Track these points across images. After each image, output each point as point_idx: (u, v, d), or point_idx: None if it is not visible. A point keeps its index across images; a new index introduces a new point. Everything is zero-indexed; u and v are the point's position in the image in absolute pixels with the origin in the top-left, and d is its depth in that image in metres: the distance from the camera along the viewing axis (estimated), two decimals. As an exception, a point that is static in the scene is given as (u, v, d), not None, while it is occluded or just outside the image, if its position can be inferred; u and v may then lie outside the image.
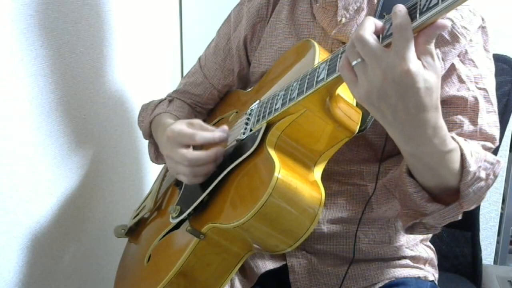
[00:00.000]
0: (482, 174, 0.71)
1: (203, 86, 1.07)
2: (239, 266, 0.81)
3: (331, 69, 0.69)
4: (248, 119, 0.84)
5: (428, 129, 0.62)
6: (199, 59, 1.10)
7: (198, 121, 0.86)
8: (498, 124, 0.83)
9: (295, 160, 0.74)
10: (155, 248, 0.90)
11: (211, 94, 1.07)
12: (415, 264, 0.95)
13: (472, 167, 0.70)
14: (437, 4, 0.54)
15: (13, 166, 0.96)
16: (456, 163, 0.69)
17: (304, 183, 0.71)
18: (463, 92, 0.81)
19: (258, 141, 0.76)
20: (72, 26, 1.09)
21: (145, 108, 1.09)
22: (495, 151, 0.90)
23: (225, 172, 0.79)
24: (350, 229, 0.91)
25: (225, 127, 0.84)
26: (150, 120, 1.04)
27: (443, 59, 0.81)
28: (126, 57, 1.35)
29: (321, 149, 0.76)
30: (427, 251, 0.98)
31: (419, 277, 0.94)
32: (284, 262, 0.93)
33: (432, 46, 0.57)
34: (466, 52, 0.82)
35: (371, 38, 0.58)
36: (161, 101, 1.07)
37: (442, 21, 0.55)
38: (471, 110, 0.81)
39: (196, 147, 0.83)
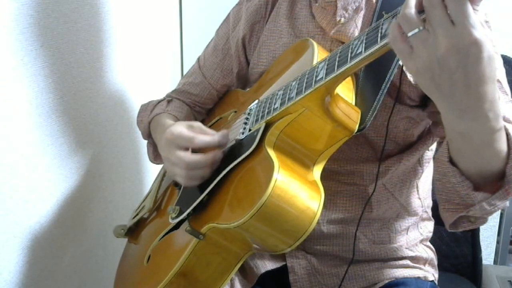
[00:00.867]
0: None
1: (202, 86, 1.07)
2: (239, 266, 0.81)
3: (330, 68, 0.69)
4: (247, 118, 0.84)
5: (486, 103, 0.58)
6: (198, 59, 1.10)
7: (198, 124, 0.86)
8: None
9: (294, 160, 0.74)
10: (154, 248, 0.90)
11: (210, 94, 1.07)
12: (415, 264, 0.95)
13: None
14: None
15: (13, 166, 0.96)
16: (503, 144, 0.66)
17: (304, 183, 0.71)
18: None
19: (257, 141, 0.76)
20: (72, 26, 1.09)
21: (144, 108, 1.09)
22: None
23: (224, 172, 0.79)
24: (350, 229, 0.91)
25: (225, 131, 0.84)
26: (149, 120, 1.04)
27: None
28: (126, 57, 1.35)
29: (321, 149, 0.76)
30: (427, 251, 0.98)
31: (419, 277, 0.93)
32: (284, 263, 0.93)
33: (477, 14, 0.54)
34: None
35: (441, 4, 0.54)
36: (160, 101, 1.07)
37: None
38: None
39: (194, 150, 0.83)
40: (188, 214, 0.83)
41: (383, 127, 0.85)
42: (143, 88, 1.46)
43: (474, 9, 0.53)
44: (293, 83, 0.75)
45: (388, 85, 0.78)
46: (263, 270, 0.92)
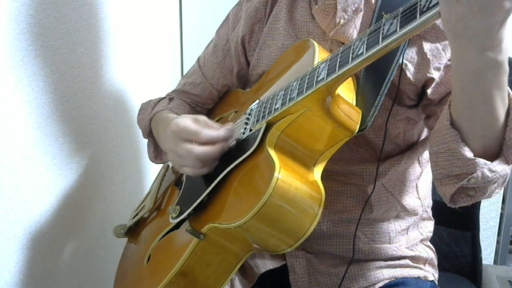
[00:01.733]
0: None
1: (202, 86, 1.07)
2: (239, 266, 0.81)
3: (331, 69, 0.69)
4: (247, 119, 0.84)
5: (503, 27, 0.58)
6: (198, 59, 1.09)
7: (203, 118, 0.86)
8: None
9: (295, 160, 0.74)
10: (155, 248, 0.90)
11: (210, 94, 1.07)
12: (415, 264, 0.95)
13: None
14: (437, 4, 0.54)
15: (13, 166, 0.96)
16: (505, 100, 0.67)
17: (304, 183, 0.71)
18: None
19: (258, 141, 0.76)
20: (72, 26, 1.09)
21: (144, 106, 1.08)
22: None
23: (225, 172, 0.79)
24: (350, 229, 0.91)
25: (230, 125, 0.84)
26: (150, 117, 1.04)
27: (443, 50, 0.82)
28: (126, 57, 1.35)
29: (321, 149, 0.75)
30: (427, 251, 0.98)
31: (419, 277, 0.94)
32: (284, 262, 0.93)
33: None
34: None
35: None
36: (161, 99, 1.07)
37: None
38: None
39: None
40: (188, 214, 0.83)
41: (382, 129, 0.85)
42: (143, 88, 1.46)
43: None
44: (294, 83, 0.75)
45: (388, 85, 0.78)
46: (263, 270, 0.92)
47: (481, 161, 0.68)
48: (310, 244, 0.92)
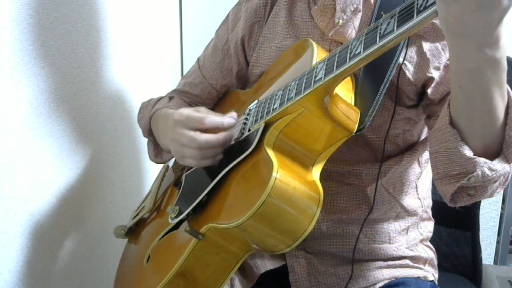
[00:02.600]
0: None
1: (201, 86, 1.07)
2: (238, 266, 0.81)
3: (329, 68, 0.69)
4: (246, 119, 0.84)
5: (500, 26, 0.58)
6: (198, 59, 1.10)
7: (204, 108, 0.86)
8: None
9: (293, 160, 0.74)
10: (154, 249, 0.90)
11: (210, 94, 1.07)
12: (415, 264, 0.95)
13: None
14: (434, 3, 0.54)
15: (13, 166, 0.96)
16: (505, 98, 0.67)
17: (303, 183, 0.71)
18: None
19: (256, 141, 0.76)
20: (72, 26, 1.09)
21: (145, 105, 1.09)
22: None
23: (223, 172, 0.79)
24: (350, 229, 0.91)
25: (233, 113, 0.84)
26: (150, 115, 1.04)
27: (443, 49, 0.82)
28: (126, 57, 1.35)
29: (320, 149, 0.75)
30: (427, 251, 0.98)
31: (419, 277, 0.93)
32: (284, 262, 0.93)
33: None
34: None
35: None
36: (161, 98, 1.07)
37: None
38: None
39: (203, 131, 0.83)
40: (187, 214, 0.83)
41: (381, 129, 0.85)
42: (143, 88, 1.47)
43: None
44: (292, 83, 0.75)
45: (387, 85, 0.78)
46: (263, 270, 0.92)
47: (481, 160, 0.68)
48: (310, 244, 0.92)
